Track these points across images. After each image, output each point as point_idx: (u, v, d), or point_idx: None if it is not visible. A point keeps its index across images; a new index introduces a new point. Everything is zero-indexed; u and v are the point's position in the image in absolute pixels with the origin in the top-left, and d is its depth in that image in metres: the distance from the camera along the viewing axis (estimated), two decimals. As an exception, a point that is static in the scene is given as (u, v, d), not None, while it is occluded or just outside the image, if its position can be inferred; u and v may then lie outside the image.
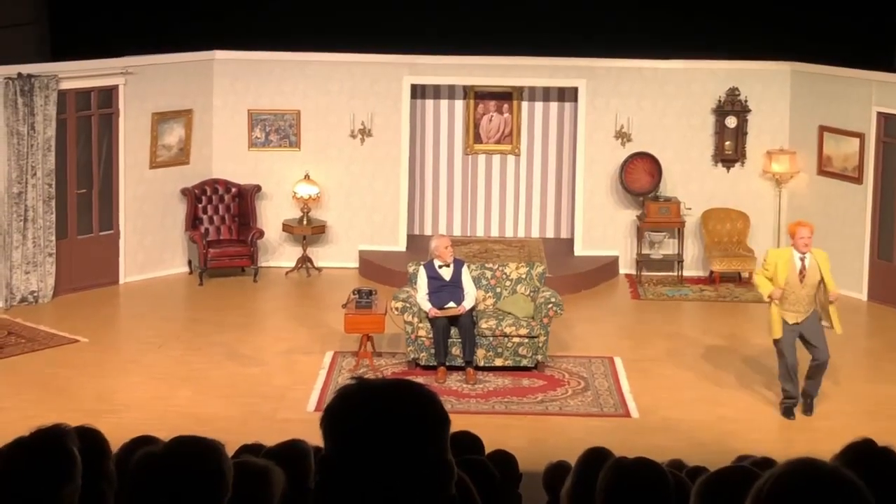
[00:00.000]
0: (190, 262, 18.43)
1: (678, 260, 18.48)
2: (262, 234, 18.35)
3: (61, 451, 4.07)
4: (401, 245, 18.77)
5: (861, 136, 17.38)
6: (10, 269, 16.74)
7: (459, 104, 19.31)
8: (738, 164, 18.55)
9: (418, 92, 19.00)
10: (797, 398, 13.50)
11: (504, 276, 15.23)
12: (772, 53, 18.06)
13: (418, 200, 19.38)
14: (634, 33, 17.89)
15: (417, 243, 18.50)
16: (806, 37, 17.59)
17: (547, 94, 19.17)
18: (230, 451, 3.81)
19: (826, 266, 13.27)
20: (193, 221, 18.22)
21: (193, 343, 15.61)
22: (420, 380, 13.93)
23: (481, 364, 14.56)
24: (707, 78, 18.44)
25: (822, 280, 13.20)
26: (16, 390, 13.92)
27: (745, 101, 18.40)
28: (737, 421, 13.40)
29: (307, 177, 18.42)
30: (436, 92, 19.19)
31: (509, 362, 14.62)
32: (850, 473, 2.68)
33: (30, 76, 16.54)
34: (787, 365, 13.35)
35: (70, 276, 17.33)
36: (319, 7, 18.01)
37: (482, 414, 13.42)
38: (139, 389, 14.10)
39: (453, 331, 14.46)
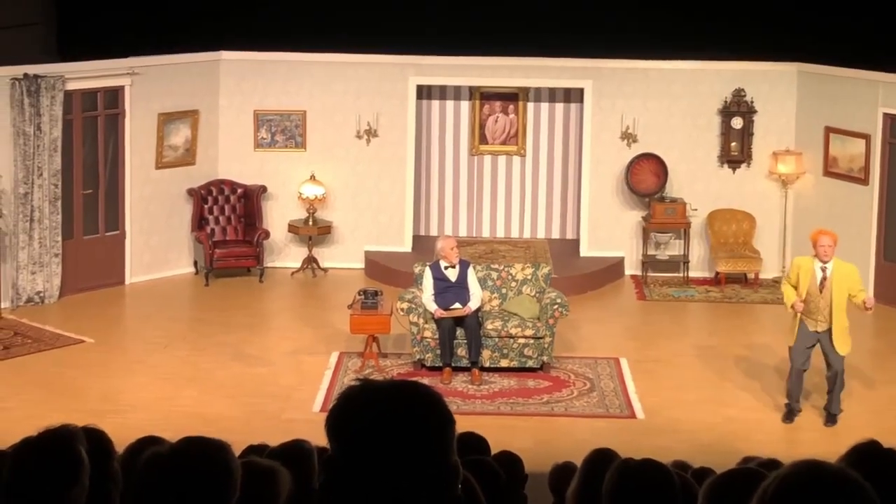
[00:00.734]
0: (196, 263, 18.45)
1: (684, 261, 18.47)
2: (267, 234, 18.35)
3: (69, 453, 4.07)
4: (406, 246, 18.77)
5: (867, 138, 17.37)
6: (16, 269, 16.75)
7: (465, 105, 19.31)
8: (744, 165, 18.54)
9: (424, 92, 19.00)
10: (796, 408, 13.45)
11: (510, 277, 15.23)
12: (778, 54, 18.05)
13: (424, 201, 19.38)
14: (640, 34, 17.88)
15: (423, 244, 18.50)
16: (812, 37, 17.58)
17: (553, 95, 19.17)
18: (236, 451, 3.81)
19: (853, 283, 13.11)
20: (199, 222, 18.23)
21: (199, 343, 15.62)
22: (425, 381, 13.95)
23: (487, 365, 14.56)
24: (713, 79, 18.44)
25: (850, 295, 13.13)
26: (21, 390, 13.94)
27: (751, 101, 18.39)
28: (742, 422, 13.40)
29: (313, 177, 18.42)
30: (441, 92, 19.19)
31: (515, 363, 14.62)
32: (855, 474, 2.68)
33: (36, 77, 16.56)
34: (793, 370, 13.33)
35: (76, 277, 17.34)
36: (325, 8, 18.02)
37: (488, 415, 13.42)
38: (145, 390, 14.11)
39: (459, 332, 14.46)
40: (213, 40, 18.12)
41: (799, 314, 13.12)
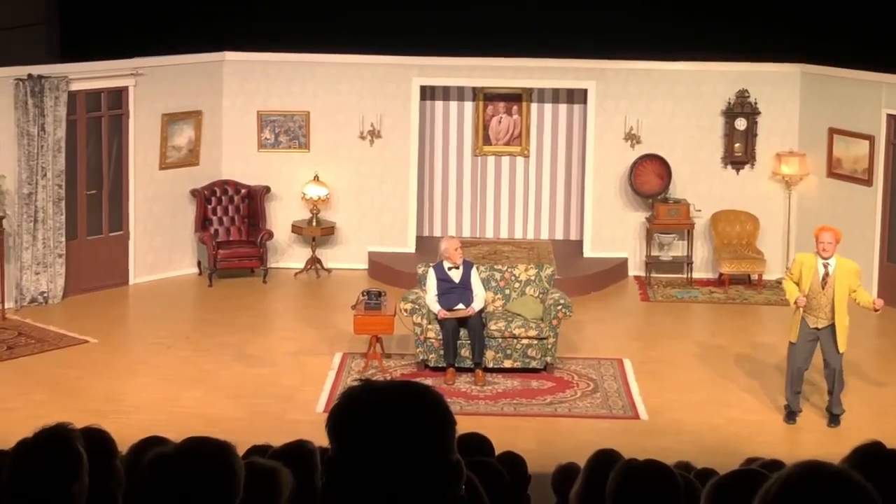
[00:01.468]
0: (199, 263, 18.45)
1: (687, 262, 18.47)
2: (271, 235, 18.36)
3: (67, 450, 4.08)
4: (410, 246, 18.77)
5: (871, 139, 17.36)
6: (20, 269, 16.76)
7: (469, 106, 19.32)
8: (747, 166, 18.54)
9: (427, 93, 19.00)
10: (796, 407, 13.43)
11: (513, 278, 15.23)
12: (781, 55, 18.05)
13: (427, 202, 19.39)
14: (644, 35, 17.88)
15: (426, 245, 18.50)
16: (815, 38, 17.58)
17: (556, 96, 19.17)
18: (239, 451, 3.81)
19: (852, 279, 13.12)
20: (203, 222, 18.24)
21: (202, 344, 15.63)
22: (429, 381, 13.96)
23: (490, 366, 14.56)
24: (716, 80, 18.43)
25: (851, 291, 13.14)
26: (25, 391, 13.94)
27: (755, 102, 18.39)
28: (746, 423, 13.39)
29: (316, 178, 18.43)
30: (445, 93, 19.20)
31: (518, 364, 14.62)
32: (857, 475, 2.68)
33: (40, 77, 16.57)
34: (791, 369, 13.32)
35: (80, 277, 17.35)
36: (329, 8, 18.03)
37: (491, 415, 13.41)
38: (148, 390, 14.12)
39: (462, 332, 14.46)
40: (217, 41, 18.13)
41: (801, 311, 13.12)
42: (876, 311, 13.28)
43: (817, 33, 17.50)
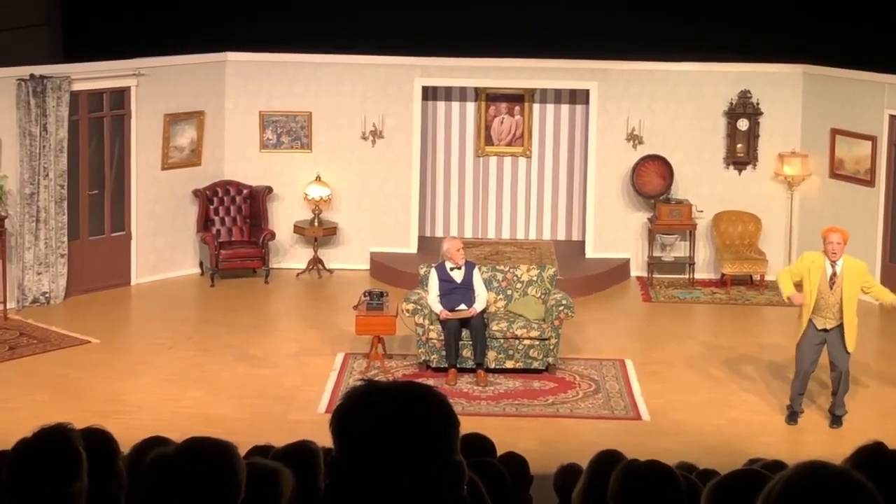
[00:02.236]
0: (201, 264, 18.46)
1: (689, 262, 18.47)
2: (273, 235, 18.36)
3: (67, 450, 4.08)
4: (412, 247, 18.77)
5: (873, 139, 17.36)
6: (22, 269, 16.77)
7: (471, 106, 19.32)
8: (749, 167, 18.53)
9: (430, 94, 19.01)
10: (798, 408, 13.41)
11: (515, 279, 15.23)
12: (783, 56, 18.05)
13: (429, 202, 19.39)
14: (646, 36, 17.89)
15: (428, 245, 18.50)
16: (818, 39, 17.58)
17: (558, 97, 19.17)
18: (241, 451, 3.81)
19: (864, 278, 13.11)
20: (205, 223, 18.24)
21: (204, 344, 15.63)
22: (431, 382, 13.96)
23: (492, 366, 14.56)
24: (718, 80, 18.43)
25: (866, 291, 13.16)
26: (27, 391, 13.95)
27: (757, 103, 18.39)
28: (747, 424, 13.39)
29: (318, 178, 18.43)
30: (447, 94, 19.20)
31: (520, 364, 14.62)
32: (859, 476, 2.68)
33: (42, 77, 16.58)
34: (799, 370, 13.30)
35: (82, 278, 17.36)
36: (331, 9, 18.03)
37: (493, 416, 13.41)
38: (150, 390, 14.12)
39: (464, 333, 14.46)
40: (219, 41, 18.14)
41: (808, 311, 13.08)
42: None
43: (819, 34, 17.50)
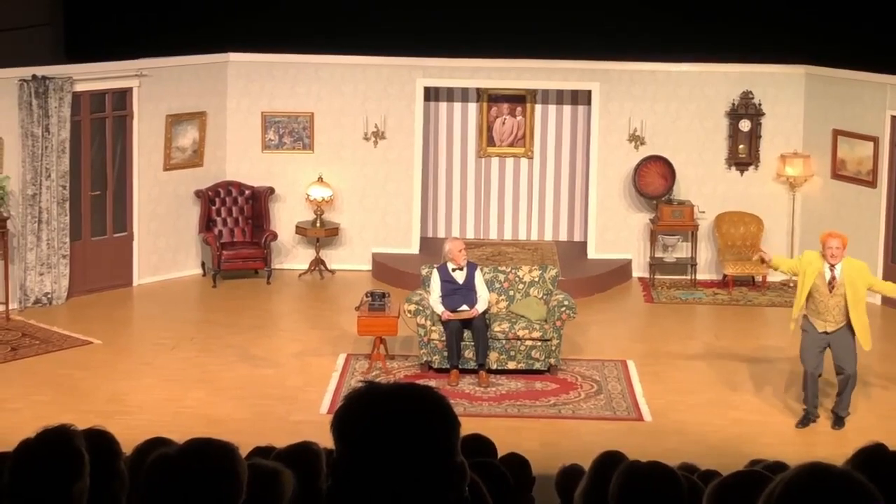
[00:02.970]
0: (203, 264, 18.46)
1: (691, 263, 18.47)
2: (275, 236, 18.37)
3: (69, 450, 4.08)
4: (414, 248, 18.78)
5: (875, 140, 17.35)
6: (24, 270, 16.77)
7: (473, 107, 19.32)
8: (751, 168, 18.53)
9: (431, 94, 19.01)
10: (813, 415, 13.39)
11: (517, 279, 15.23)
12: (786, 56, 18.05)
13: (431, 203, 19.39)
14: (648, 36, 17.89)
15: (430, 246, 18.50)
16: (820, 40, 17.57)
17: (560, 97, 19.17)
18: (242, 452, 3.81)
19: (866, 278, 13.13)
20: (207, 223, 18.24)
21: (206, 345, 15.63)
22: (432, 383, 13.97)
23: (494, 367, 14.56)
24: (720, 81, 18.43)
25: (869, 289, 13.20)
26: (29, 391, 13.95)
27: (759, 104, 18.38)
28: (749, 424, 13.38)
29: (320, 179, 18.44)
30: (449, 95, 19.20)
31: (522, 365, 14.62)
32: (861, 477, 2.68)
33: (44, 78, 16.58)
34: (805, 373, 13.29)
35: (84, 278, 17.36)
36: (333, 10, 18.04)
37: (495, 417, 13.41)
38: (152, 391, 14.12)
39: (466, 334, 14.46)
40: (221, 42, 18.15)
41: (796, 307, 13.14)
42: None
43: (821, 34, 17.50)
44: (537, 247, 19.03)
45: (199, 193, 18.27)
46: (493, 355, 14.53)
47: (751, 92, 18.38)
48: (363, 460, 2.76)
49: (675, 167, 18.31)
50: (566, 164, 19.29)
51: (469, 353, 14.49)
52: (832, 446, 12.41)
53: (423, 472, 2.75)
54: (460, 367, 14.47)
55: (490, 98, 19.23)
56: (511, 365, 14.60)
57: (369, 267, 18.64)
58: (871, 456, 4.18)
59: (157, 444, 5.41)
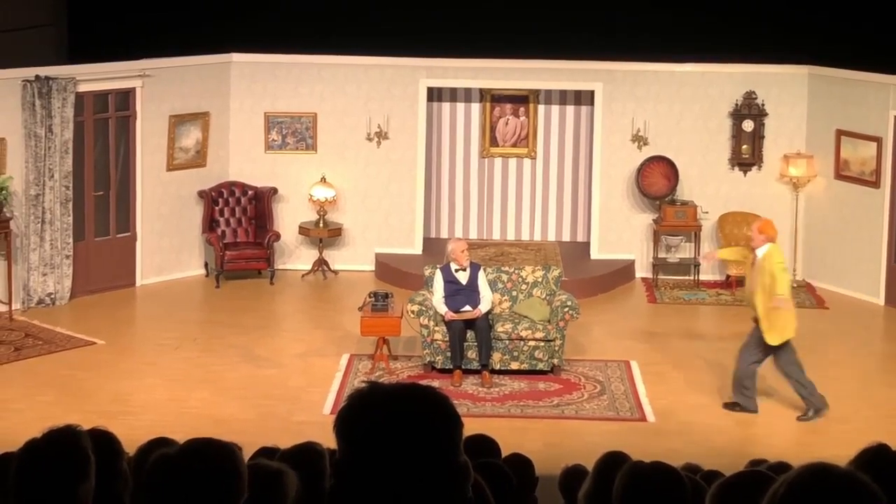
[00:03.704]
0: (206, 265, 18.46)
1: (694, 264, 18.45)
2: (278, 236, 18.37)
3: (76, 451, 4.08)
4: (417, 248, 18.78)
5: (878, 140, 17.34)
6: (27, 270, 16.78)
7: (475, 107, 19.32)
8: (754, 168, 18.53)
9: (434, 95, 19.00)
10: (736, 400, 13.62)
11: (520, 280, 15.23)
12: (789, 57, 18.03)
13: (434, 203, 19.39)
14: (651, 37, 17.88)
15: (433, 246, 18.50)
16: (823, 40, 17.56)
17: (563, 98, 19.17)
18: (246, 453, 3.82)
19: (773, 267, 13.16)
20: (210, 224, 18.25)
21: (210, 345, 15.64)
22: (436, 383, 13.96)
23: (497, 367, 14.56)
24: (724, 81, 18.42)
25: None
26: (33, 392, 13.96)
27: (762, 104, 18.38)
28: (753, 425, 13.38)
29: (323, 179, 18.44)
30: (452, 95, 19.20)
31: (525, 366, 14.62)
32: (864, 477, 2.68)
33: (47, 78, 16.59)
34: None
35: (87, 279, 17.37)
36: (336, 10, 18.04)
37: (498, 417, 13.42)
38: (155, 391, 14.13)
39: (469, 334, 14.46)
40: (224, 42, 18.15)
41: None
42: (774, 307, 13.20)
43: (825, 35, 17.49)
44: (540, 247, 19.02)
45: (202, 194, 18.27)
46: (496, 356, 14.53)
47: (754, 92, 18.37)
48: (366, 460, 2.76)
49: (679, 167, 18.30)
50: (569, 164, 19.28)
51: (472, 354, 14.49)
52: (835, 447, 12.40)
53: (426, 472, 2.76)
54: (463, 367, 14.47)
55: (493, 98, 19.23)
56: (514, 365, 14.60)
57: (372, 267, 18.64)
58: (875, 456, 4.18)
59: (159, 444, 5.41)
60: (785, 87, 18.34)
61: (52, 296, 16.96)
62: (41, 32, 17.25)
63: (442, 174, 19.41)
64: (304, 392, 14.11)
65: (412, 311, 14.62)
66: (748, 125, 18.43)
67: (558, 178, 19.33)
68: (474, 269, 14.65)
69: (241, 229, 18.43)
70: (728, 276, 18.22)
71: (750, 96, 18.38)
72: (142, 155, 17.79)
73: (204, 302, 17.63)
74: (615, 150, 18.58)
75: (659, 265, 18.46)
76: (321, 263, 18.50)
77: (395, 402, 2.81)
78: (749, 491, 3.78)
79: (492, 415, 13.48)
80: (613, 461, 5.02)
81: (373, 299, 14.93)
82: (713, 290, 18.14)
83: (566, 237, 19.40)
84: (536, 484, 7.36)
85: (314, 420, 12.99)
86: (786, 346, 13.27)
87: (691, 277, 18.45)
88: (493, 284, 14.88)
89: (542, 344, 14.58)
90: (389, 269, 18.28)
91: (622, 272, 18.47)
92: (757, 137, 18.45)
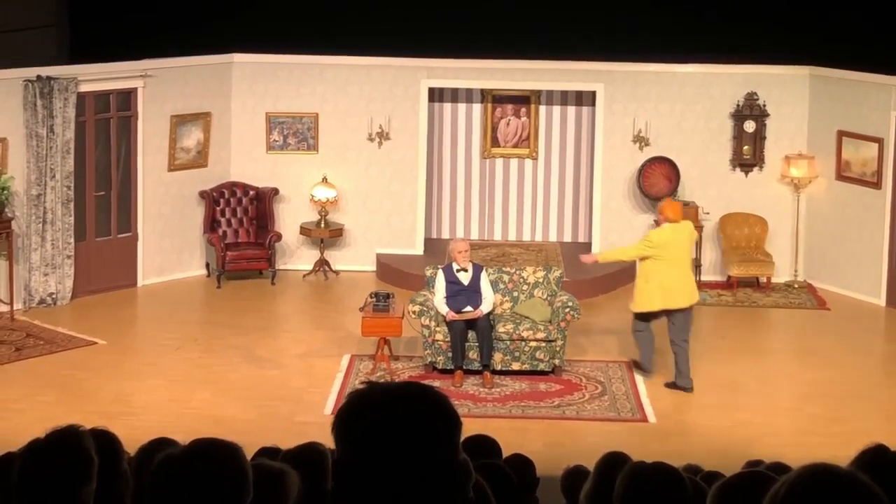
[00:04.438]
0: (208, 265, 18.47)
1: (696, 265, 18.43)
2: (279, 236, 18.37)
3: (79, 451, 4.08)
4: (418, 248, 18.78)
5: (880, 141, 17.34)
6: (28, 270, 16.79)
7: (477, 108, 19.32)
8: (756, 169, 18.52)
9: (436, 95, 19.01)
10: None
11: (521, 280, 15.23)
12: (790, 57, 18.03)
13: (436, 204, 19.39)
14: (653, 37, 17.87)
15: (435, 247, 18.51)
16: (824, 40, 17.56)
17: (565, 98, 19.17)
18: (247, 453, 3.81)
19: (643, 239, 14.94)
20: (211, 224, 18.25)
21: (211, 345, 15.64)
22: (437, 384, 13.97)
23: (498, 368, 14.56)
24: (725, 82, 18.42)
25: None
26: (34, 392, 13.97)
27: (764, 105, 18.38)
28: (754, 426, 13.39)
29: (325, 180, 18.44)
30: (453, 95, 19.20)
31: (526, 366, 14.62)
32: (866, 478, 2.68)
33: (49, 78, 16.60)
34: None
35: (88, 279, 17.37)
36: (337, 10, 18.05)
37: (499, 418, 13.42)
38: (157, 392, 14.13)
39: (470, 334, 14.46)
40: (226, 43, 18.15)
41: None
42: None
43: (826, 35, 17.49)
44: (541, 248, 19.03)
45: (203, 194, 18.28)
46: (497, 356, 14.54)
47: (755, 93, 18.37)
48: (365, 461, 2.76)
49: (680, 168, 18.30)
50: (570, 165, 19.28)
51: (473, 354, 14.49)
52: (837, 447, 12.39)
53: (425, 472, 2.76)
54: (465, 367, 14.47)
55: (494, 99, 19.23)
56: (515, 366, 14.61)
57: (373, 268, 18.65)
58: (874, 457, 4.19)
59: (160, 444, 5.41)
60: (786, 88, 18.34)
61: (54, 296, 16.97)
62: (43, 33, 17.26)
63: (443, 175, 19.42)
64: (306, 392, 14.12)
65: (413, 312, 14.62)
66: (749, 126, 18.43)
67: (560, 179, 19.33)
68: (476, 269, 14.66)
69: (242, 230, 18.43)
70: (729, 277, 18.22)
71: (751, 97, 18.38)
72: (143, 155, 17.80)
73: (205, 302, 17.64)
74: (616, 151, 18.59)
75: (660, 266, 18.43)
76: (322, 264, 18.51)
77: (393, 401, 2.80)
78: (750, 492, 3.79)
79: (493, 415, 13.49)
80: (614, 462, 5.02)
81: (374, 300, 14.93)
82: (714, 291, 18.14)
83: (567, 237, 19.40)
84: (537, 484, 7.37)
85: (315, 420, 12.99)
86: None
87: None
88: (494, 285, 14.89)
89: (544, 344, 14.59)
90: (390, 270, 18.28)
91: (623, 273, 18.45)
92: (758, 138, 18.45)
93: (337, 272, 18.57)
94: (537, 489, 7.34)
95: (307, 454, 5.56)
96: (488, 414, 13.51)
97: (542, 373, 14.63)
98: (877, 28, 17.03)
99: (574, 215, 19.39)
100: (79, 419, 4.73)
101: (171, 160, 18.07)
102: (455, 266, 14.60)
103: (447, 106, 19.27)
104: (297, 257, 18.78)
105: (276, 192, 18.54)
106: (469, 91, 19.16)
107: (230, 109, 18.55)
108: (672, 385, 14.33)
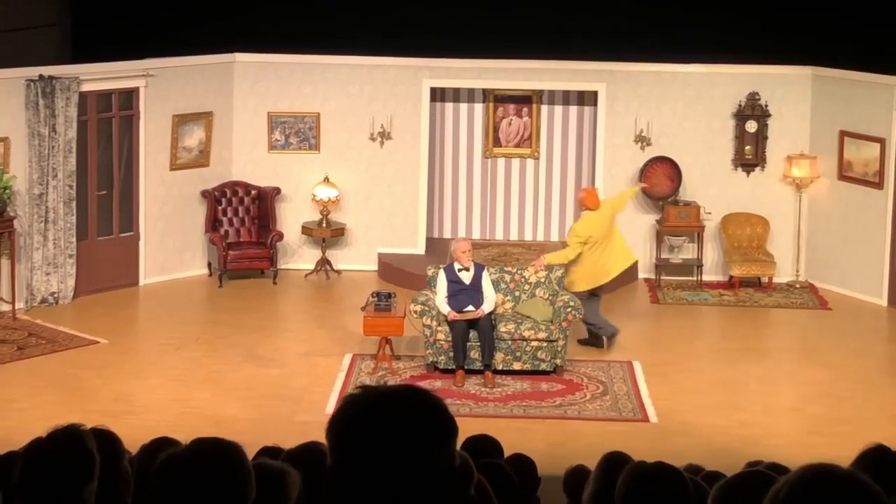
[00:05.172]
0: (209, 264, 18.47)
1: (698, 265, 18.45)
2: (281, 236, 18.38)
3: (81, 451, 4.08)
4: (420, 248, 18.78)
5: (882, 141, 17.34)
6: (30, 270, 16.79)
7: (479, 107, 19.32)
8: (758, 169, 18.52)
9: (438, 95, 19.01)
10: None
11: (523, 280, 15.23)
12: (792, 58, 18.03)
13: (437, 203, 19.39)
14: (654, 37, 17.87)
15: (436, 246, 18.51)
16: (827, 41, 17.55)
17: (566, 98, 19.17)
18: (249, 452, 3.81)
19: (570, 234, 15.72)
20: (213, 223, 18.26)
21: (213, 345, 15.65)
22: (438, 383, 14.00)
23: (500, 368, 14.56)
24: (727, 82, 18.42)
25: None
26: (35, 391, 13.97)
27: (766, 105, 18.37)
28: (755, 426, 13.38)
29: (326, 179, 18.44)
30: (455, 95, 19.20)
31: (528, 366, 14.62)
32: (866, 478, 2.68)
33: (51, 78, 16.60)
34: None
35: (90, 278, 17.38)
36: (339, 10, 18.05)
37: (501, 418, 13.42)
38: (158, 391, 14.14)
39: (472, 334, 14.46)
40: (228, 42, 18.15)
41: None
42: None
43: (828, 35, 17.48)
44: (543, 247, 19.01)
45: (205, 193, 18.29)
46: (498, 356, 14.54)
47: (757, 93, 18.37)
48: (358, 466, 2.75)
49: (682, 168, 18.30)
50: (572, 164, 19.28)
51: (475, 354, 14.49)
52: (838, 447, 12.38)
53: (419, 478, 2.75)
54: (466, 367, 14.47)
55: (496, 99, 19.23)
56: (517, 366, 14.61)
57: (375, 267, 18.65)
58: (875, 457, 4.19)
59: (162, 443, 5.41)
60: (788, 88, 18.34)
61: (56, 295, 16.98)
62: (45, 32, 17.27)
63: (445, 174, 19.42)
64: (307, 392, 14.12)
65: (415, 311, 14.63)
66: (751, 126, 18.42)
67: (561, 179, 19.33)
68: (478, 269, 14.66)
69: (244, 229, 18.44)
70: (731, 277, 18.22)
71: (753, 97, 18.38)
72: (145, 154, 17.80)
73: (207, 302, 17.64)
74: (618, 151, 18.59)
75: (662, 266, 18.46)
76: (324, 263, 18.51)
77: (387, 405, 2.79)
78: (750, 491, 3.79)
79: (494, 415, 13.49)
80: (616, 462, 5.02)
81: (376, 299, 14.93)
82: (716, 291, 18.14)
83: (569, 237, 19.38)
84: (539, 484, 7.37)
85: (317, 420, 12.97)
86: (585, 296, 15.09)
87: (694, 278, 18.45)
88: (495, 285, 14.88)
89: (545, 344, 14.59)
90: (392, 269, 18.29)
91: (625, 273, 18.42)
92: (760, 138, 18.45)
93: (338, 272, 18.58)
94: (539, 489, 7.34)
95: (308, 454, 5.56)
96: (490, 414, 13.51)
97: (544, 372, 14.63)
98: (879, 28, 17.02)
99: (576, 215, 19.35)
100: (80, 418, 4.73)
101: (173, 159, 18.07)
102: (457, 265, 14.60)
103: (449, 105, 19.27)
104: (298, 257, 18.78)
105: (277, 191, 18.54)
106: (471, 91, 19.16)
107: (232, 109, 18.56)
108: (586, 341, 15.45)
